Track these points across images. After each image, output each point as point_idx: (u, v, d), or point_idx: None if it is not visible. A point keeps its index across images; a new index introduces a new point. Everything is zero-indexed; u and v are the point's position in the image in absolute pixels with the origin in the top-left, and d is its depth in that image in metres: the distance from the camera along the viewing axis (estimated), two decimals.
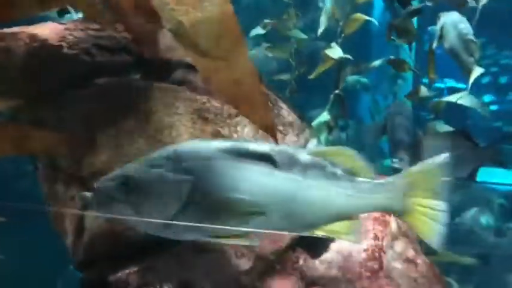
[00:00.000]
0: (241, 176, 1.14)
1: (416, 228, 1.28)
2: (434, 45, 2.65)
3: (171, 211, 1.12)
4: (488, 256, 5.74)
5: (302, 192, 1.16)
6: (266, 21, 4.10)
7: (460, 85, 6.97)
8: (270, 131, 1.18)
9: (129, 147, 1.20)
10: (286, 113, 1.47)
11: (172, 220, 1.12)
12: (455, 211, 6.27)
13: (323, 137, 3.49)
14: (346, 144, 6.18)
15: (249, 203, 1.13)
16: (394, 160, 2.54)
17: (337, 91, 3.49)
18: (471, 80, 2.54)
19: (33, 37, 1.18)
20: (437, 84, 7.11)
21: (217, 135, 1.30)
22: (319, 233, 1.15)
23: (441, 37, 2.62)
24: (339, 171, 1.19)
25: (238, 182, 1.14)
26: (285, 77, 4.14)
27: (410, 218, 1.26)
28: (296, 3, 4.56)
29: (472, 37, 2.40)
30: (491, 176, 6.71)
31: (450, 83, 7.09)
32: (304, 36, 4.04)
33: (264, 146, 1.18)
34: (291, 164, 1.15)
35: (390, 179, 1.27)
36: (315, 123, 3.55)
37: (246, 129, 1.31)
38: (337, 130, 3.56)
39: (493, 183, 6.58)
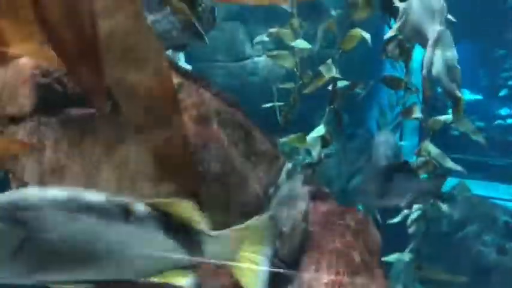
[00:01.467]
0: (75, 227, 1.15)
1: (241, 280, 1.32)
2: (424, 71, 2.68)
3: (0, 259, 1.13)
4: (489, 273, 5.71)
5: (137, 243, 1.18)
6: (271, 30, 4.11)
7: (476, 96, 6.89)
8: (193, 185, 1.21)
9: (97, 177, 1.23)
10: (259, 142, 1.50)
11: (1, 267, 1.13)
12: (458, 226, 6.23)
13: (316, 151, 3.51)
14: (343, 156, 6.18)
15: (81, 255, 1.15)
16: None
17: (332, 106, 3.51)
18: (460, 109, 2.56)
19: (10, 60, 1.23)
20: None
21: None
22: (157, 279, 1.19)
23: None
24: (174, 223, 1.21)
25: (72, 233, 1.15)
26: (289, 85, 4.16)
27: (237, 270, 1.30)
28: (307, 11, 4.57)
29: (455, 63, 2.43)
30: (497, 192, 6.67)
31: (466, 94, 7.03)
32: (308, 46, 4.05)
33: (100, 197, 1.18)
34: (126, 215, 1.17)
35: (224, 232, 1.30)
36: (309, 137, 3.57)
37: None
38: (333, 145, 3.58)
39: (499, 199, 6.55)
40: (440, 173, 2.90)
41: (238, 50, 5.48)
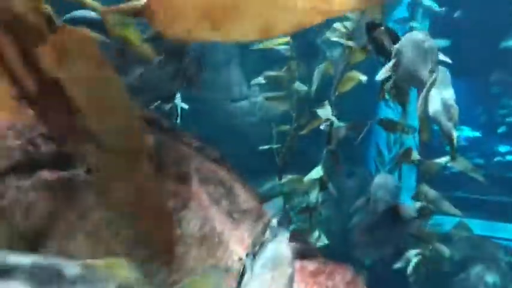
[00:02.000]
0: None
1: None
2: (419, 113, 2.66)
3: None
4: None
5: None
6: (267, 73, 4.12)
7: (475, 133, 6.88)
8: (169, 248, 1.15)
9: (69, 244, 1.18)
10: (243, 199, 1.44)
11: None
12: (460, 267, 6.09)
13: (314, 194, 3.46)
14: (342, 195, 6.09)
15: None
16: None
17: (330, 147, 3.48)
18: (454, 145, 2.54)
19: None
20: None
21: None
22: None
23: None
24: (111, 285, 1.12)
25: None
26: (285, 128, 4.14)
27: None
28: (304, 52, 4.59)
29: (452, 102, 2.40)
30: (500, 231, 6.55)
31: (466, 131, 7.00)
32: (304, 88, 4.05)
33: (26, 260, 1.07)
34: (55, 280, 1.06)
35: None
36: (307, 178, 3.52)
37: None
38: (331, 186, 3.53)
39: (500, 239, 6.42)
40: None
41: (236, 91, 5.49)
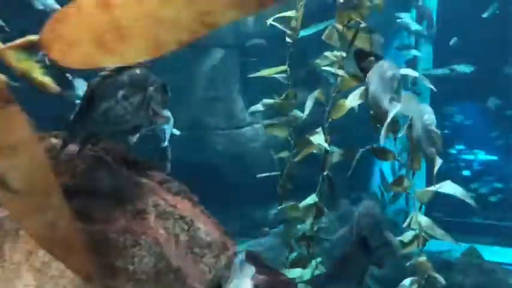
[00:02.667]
0: None
1: None
2: (400, 134, 2.66)
3: None
4: None
5: None
6: (266, 100, 4.14)
7: (491, 157, 6.75)
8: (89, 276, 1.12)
9: (16, 282, 1.17)
10: (205, 233, 1.41)
11: None
12: None
13: (309, 220, 3.42)
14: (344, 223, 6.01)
15: None
16: None
17: (324, 173, 3.45)
18: (435, 170, 2.52)
19: None
20: (466, 156, 6.86)
21: (110, 268, 1.25)
22: None
23: (410, 126, 2.65)
24: None
25: None
26: (284, 154, 4.12)
27: None
28: (305, 79, 4.62)
29: (433, 127, 2.39)
30: (505, 257, 6.38)
31: (481, 155, 6.90)
32: (302, 115, 4.05)
33: None
34: None
35: None
36: (301, 205, 3.49)
37: None
38: (327, 212, 3.49)
39: (508, 265, 6.25)
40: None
41: (238, 118, 5.50)
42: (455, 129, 7.00)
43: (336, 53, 3.21)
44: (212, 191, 5.47)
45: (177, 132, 3.85)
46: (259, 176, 4.12)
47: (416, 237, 3.08)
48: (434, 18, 6.81)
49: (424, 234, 3.05)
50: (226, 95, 5.42)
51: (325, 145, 3.16)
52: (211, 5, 0.99)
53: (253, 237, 6.03)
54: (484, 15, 5.86)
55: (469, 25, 6.48)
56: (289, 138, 3.99)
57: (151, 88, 1.54)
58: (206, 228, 1.44)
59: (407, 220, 3.09)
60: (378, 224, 2.70)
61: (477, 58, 6.49)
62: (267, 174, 4.13)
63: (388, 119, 2.29)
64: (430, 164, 2.49)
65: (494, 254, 6.53)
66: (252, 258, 1.53)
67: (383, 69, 2.51)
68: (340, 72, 3.15)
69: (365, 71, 2.93)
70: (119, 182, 1.36)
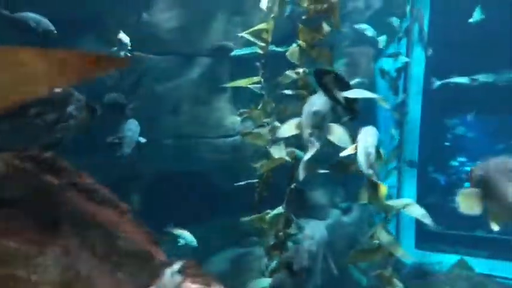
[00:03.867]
0: None
1: None
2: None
3: None
4: None
5: None
6: (242, 110, 4.21)
7: None
8: None
9: None
10: (126, 242, 1.44)
11: None
12: None
13: (274, 231, 3.47)
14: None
15: None
16: None
17: (292, 186, 3.50)
18: (378, 194, 2.56)
19: None
20: (469, 168, 6.84)
21: (11, 278, 1.29)
22: None
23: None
24: None
25: None
26: (261, 163, 4.17)
27: None
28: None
29: (372, 150, 2.45)
30: (495, 269, 6.32)
31: None
32: (278, 124, 4.10)
33: None
34: None
35: None
36: (269, 216, 3.54)
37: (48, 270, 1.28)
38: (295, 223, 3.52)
39: (503, 278, 6.20)
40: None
41: (227, 127, 5.57)
42: (457, 142, 6.95)
43: (298, 70, 3.26)
44: (200, 200, 5.55)
45: (142, 139, 3.93)
46: (237, 184, 4.18)
47: (378, 248, 3.11)
48: (427, 24, 6.82)
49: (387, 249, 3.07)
50: (215, 104, 5.49)
51: (286, 158, 3.20)
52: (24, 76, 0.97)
53: (243, 247, 6.07)
54: (471, 21, 5.85)
55: (462, 30, 6.46)
56: (267, 147, 4.06)
57: (71, 107, 1.60)
58: (129, 238, 1.48)
59: (370, 233, 3.12)
60: (319, 246, 2.75)
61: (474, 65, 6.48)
62: (245, 182, 4.19)
63: (305, 158, 2.39)
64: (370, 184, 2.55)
65: (494, 267, 6.48)
66: (189, 268, 1.57)
67: (310, 103, 2.61)
68: (299, 91, 3.20)
69: (325, 88, 2.99)
70: (33, 190, 1.41)
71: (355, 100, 3.00)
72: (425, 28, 6.85)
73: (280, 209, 3.38)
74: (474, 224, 6.93)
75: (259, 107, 4.03)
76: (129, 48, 3.99)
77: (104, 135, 3.74)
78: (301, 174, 2.42)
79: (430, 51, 6.32)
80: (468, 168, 6.76)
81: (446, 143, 7.18)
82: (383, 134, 6.94)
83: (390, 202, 3.02)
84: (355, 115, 3.02)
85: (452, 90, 6.62)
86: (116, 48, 3.96)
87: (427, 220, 2.91)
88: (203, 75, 5.23)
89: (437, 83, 6.35)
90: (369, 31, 5.68)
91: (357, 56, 6.45)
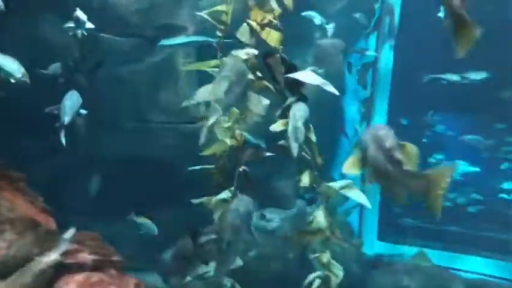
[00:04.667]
0: None
1: None
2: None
3: None
4: None
5: None
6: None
7: (474, 168, 6.75)
8: None
9: None
10: (7, 209, 1.41)
11: None
12: None
13: (217, 214, 3.45)
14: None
15: None
16: None
17: (241, 169, 3.48)
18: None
19: None
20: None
21: None
22: None
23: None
24: None
25: None
26: (215, 150, 4.14)
27: None
28: None
29: (300, 124, 2.45)
30: (454, 262, 6.40)
31: (463, 166, 6.90)
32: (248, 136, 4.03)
33: None
34: None
35: None
36: (214, 199, 3.52)
37: None
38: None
39: (456, 270, 6.28)
40: None
41: (191, 113, 5.49)
42: (436, 139, 6.97)
43: (247, 50, 3.24)
44: (163, 187, 5.50)
45: (83, 111, 3.86)
46: (190, 169, 4.15)
47: (319, 231, 3.11)
48: (398, 16, 6.80)
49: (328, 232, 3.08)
50: (179, 89, 5.42)
51: (229, 142, 3.18)
52: None
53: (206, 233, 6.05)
54: (440, 15, 5.86)
55: (434, 26, 6.45)
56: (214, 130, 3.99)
57: None
58: (10, 205, 1.44)
59: (311, 217, 3.13)
60: (244, 221, 2.74)
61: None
62: (200, 167, 4.16)
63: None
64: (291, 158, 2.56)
65: (452, 260, 6.55)
66: (90, 240, 1.55)
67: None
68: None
69: (270, 68, 2.97)
70: None
71: (300, 83, 2.99)
72: (396, 23, 6.84)
73: (227, 193, 3.37)
74: (458, 221, 7.00)
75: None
76: (86, 26, 3.92)
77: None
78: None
79: (392, 42, 6.30)
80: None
81: (424, 140, 7.18)
82: (350, 129, 6.96)
83: (331, 184, 3.03)
84: (301, 98, 3.01)
85: (420, 87, 6.64)
86: (71, 25, 3.88)
87: (364, 201, 2.93)
88: (167, 59, 5.17)
89: (428, 77, 6.29)
90: (317, 19, 5.64)
91: (326, 49, 6.44)
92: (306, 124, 2.63)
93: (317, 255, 3.10)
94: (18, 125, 4.11)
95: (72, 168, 4.94)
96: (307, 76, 2.94)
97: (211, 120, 2.58)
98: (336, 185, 3.04)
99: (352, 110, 6.97)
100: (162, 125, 5.34)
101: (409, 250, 6.69)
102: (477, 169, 6.80)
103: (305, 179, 3.00)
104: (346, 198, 6.54)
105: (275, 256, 5.68)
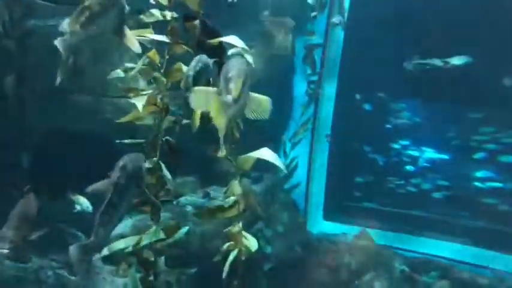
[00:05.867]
0: None
1: None
2: None
3: None
4: None
5: None
6: (128, 65, 3.96)
7: (442, 155, 6.75)
8: None
9: None
10: None
11: None
12: (356, 274, 5.99)
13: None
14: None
15: None
16: None
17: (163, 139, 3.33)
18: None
19: None
20: (411, 152, 6.82)
21: None
22: None
23: None
24: None
25: None
26: (148, 121, 3.95)
27: None
28: None
29: (233, 74, 2.28)
30: (398, 242, 6.45)
31: (429, 153, 6.90)
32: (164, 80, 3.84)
33: None
34: None
35: None
36: None
37: None
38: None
39: (399, 249, 6.33)
40: None
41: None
42: (401, 126, 6.84)
43: (166, 12, 3.07)
44: (100, 162, 5.29)
45: None
46: (118, 142, 3.97)
47: (235, 203, 3.02)
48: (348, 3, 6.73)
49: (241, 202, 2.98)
50: (118, 61, 5.18)
51: (142, 114, 3.02)
52: None
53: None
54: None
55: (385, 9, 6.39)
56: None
57: None
58: None
59: (227, 188, 3.03)
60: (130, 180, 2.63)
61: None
62: (129, 141, 3.98)
63: None
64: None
65: (395, 239, 6.59)
66: None
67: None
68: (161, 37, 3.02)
69: (189, 33, 2.83)
70: None
71: (222, 49, 2.87)
72: (346, 5, 6.75)
73: (151, 162, 3.22)
74: (382, 198, 7.04)
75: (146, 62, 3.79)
76: None
77: None
78: None
79: (339, 21, 6.20)
80: (411, 152, 6.76)
81: (388, 126, 7.03)
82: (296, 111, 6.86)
83: (247, 155, 2.92)
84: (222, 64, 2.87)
85: (368, 71, 6.58)
86: None
87: (278, 163, 2.85)
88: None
89: (412, 63, 6.15)
90: None
91: (275, 27, 6.31)
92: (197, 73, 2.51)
93: (229, 228, 2.99)
94: None
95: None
96: (229, 39, 2.81)
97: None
98: (252, 154, 2.93)
99: (300, 91, 6.88)
100: (99, 98, 5.11)
101: (353, 230, 6.70)
102: (445, 156, 6.81)
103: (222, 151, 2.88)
104: (289, 176, 6.51)
105: (218, 234, 5.58)
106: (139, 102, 2.94)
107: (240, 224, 2.98)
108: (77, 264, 2.53)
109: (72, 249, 2.53)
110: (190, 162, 3.56)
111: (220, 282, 3.06)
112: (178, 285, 4.18)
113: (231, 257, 2.94)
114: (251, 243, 2.94)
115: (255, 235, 5.96)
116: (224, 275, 2.93)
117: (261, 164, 6.79)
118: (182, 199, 4.94)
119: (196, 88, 2.40)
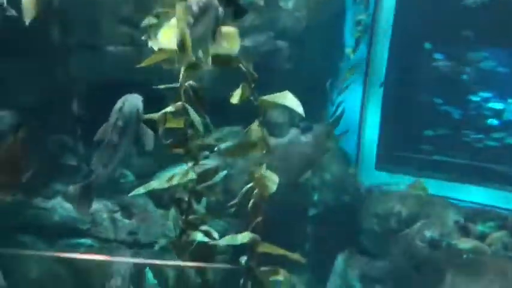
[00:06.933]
0: None
1: None
2: None
3: None
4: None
5: None
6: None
7: None
8: None
9: None
10: None
11: None
12: (406, 222, 5.82)
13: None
14: None
15: None
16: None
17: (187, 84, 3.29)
18: None
19: None
20: (493, 105, 6.29)
21: None
22: None
23: None
24: None
25: None
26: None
27: None
28: None
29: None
30: (452, 191, 6.14)
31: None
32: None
33: None
34: None
35: None
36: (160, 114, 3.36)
37: None
38: None
39: (454, 199, 6.04)
40: None
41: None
42: (481, 76, 6.20)
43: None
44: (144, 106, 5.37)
45: None
46: (154, 87, 3.99)
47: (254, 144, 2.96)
48: None
49: None
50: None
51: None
52: None
53: None
54: None
55: None
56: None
57: None
58: None
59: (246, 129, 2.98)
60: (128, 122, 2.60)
61: None
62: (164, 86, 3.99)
63: None
64: None
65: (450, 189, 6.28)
66: None
67: None
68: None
69: None
70: None
71: None
72: None
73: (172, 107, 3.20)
74: (435, 148, 6.69)
75: None
76: None
77: None
78: None
79: None
80: (493, 105, 6.23)
81: (464, 76, 6.46)
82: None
83: (266, 97, 2.83)
84: (240, 12, 2.75)
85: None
86: None
87: (299, 109, 2.75)
88: None
89: None
90: None
91: None
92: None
93: (252, 169, 2.96)
94: None
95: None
96: None
97: None
98: (272, 96, 2.84)
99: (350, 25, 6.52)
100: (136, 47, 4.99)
101: (407, 180, 6.46)
102: None
103: (237, 93, 2.81)
104: (336, 124, 6.30)
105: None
106: (156, 46, 2.91)
107: (265, 166, 2.93)
108: (78, 203, 2.58)
109: (73, 189, 2.58)
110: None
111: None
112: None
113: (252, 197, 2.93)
114: (272, 181, 2.89)
115: (303, 184, 5.99)
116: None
117: (310, 113, 6.66)
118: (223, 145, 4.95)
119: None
